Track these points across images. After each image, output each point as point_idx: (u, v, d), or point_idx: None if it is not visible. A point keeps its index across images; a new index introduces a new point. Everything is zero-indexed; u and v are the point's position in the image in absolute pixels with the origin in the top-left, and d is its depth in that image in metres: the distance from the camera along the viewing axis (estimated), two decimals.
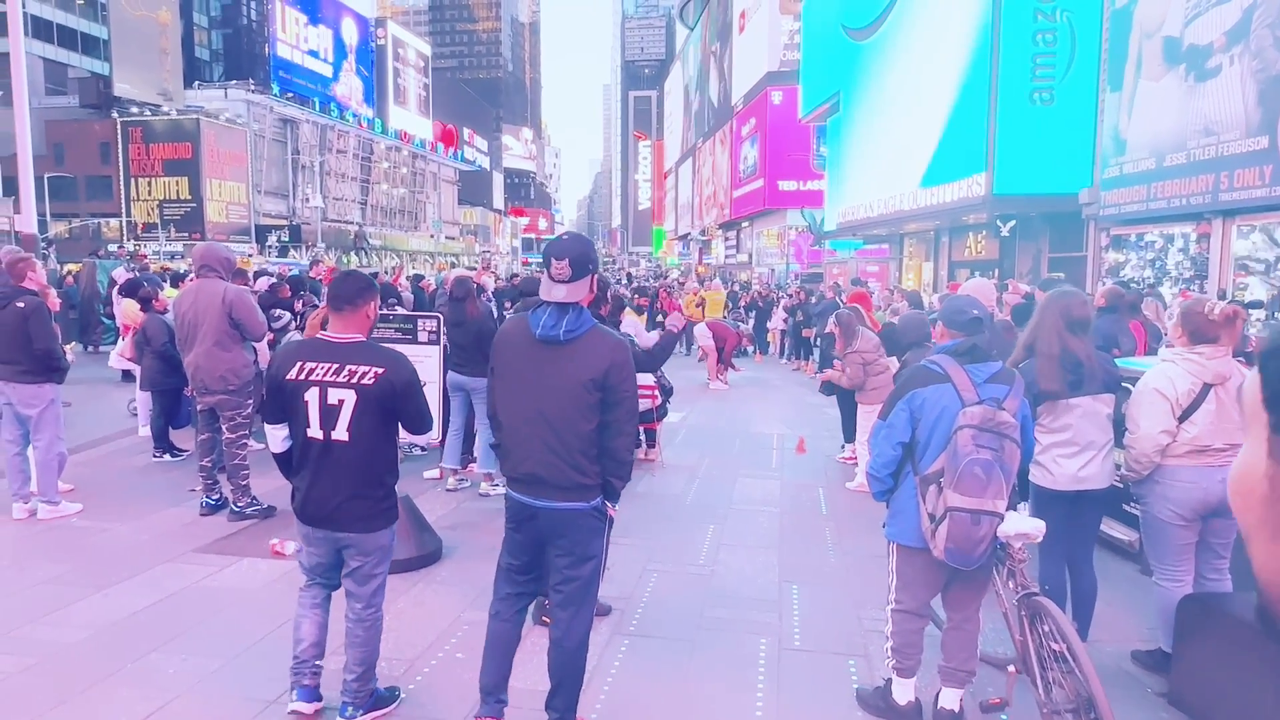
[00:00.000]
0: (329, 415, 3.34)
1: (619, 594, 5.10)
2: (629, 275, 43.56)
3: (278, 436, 3.50)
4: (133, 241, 44.08)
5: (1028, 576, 3.64)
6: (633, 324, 11.29)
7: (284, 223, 55.37)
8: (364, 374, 3.33)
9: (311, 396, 3.34)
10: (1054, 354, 4.09)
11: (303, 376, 3.35)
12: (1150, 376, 4.10)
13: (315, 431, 3.36)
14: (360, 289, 3.49)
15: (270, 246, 49.46)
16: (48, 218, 38.84)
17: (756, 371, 17.20)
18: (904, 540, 3.63)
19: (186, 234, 45.85)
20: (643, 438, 8.98)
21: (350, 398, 3.32)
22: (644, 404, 8.61)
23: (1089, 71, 18.15)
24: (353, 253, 54.18)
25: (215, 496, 6.57)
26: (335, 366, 3.35)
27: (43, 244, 21.52)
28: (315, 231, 53.02)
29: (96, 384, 11.87)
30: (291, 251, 49.12)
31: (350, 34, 69.00)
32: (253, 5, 72.47)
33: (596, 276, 3.26)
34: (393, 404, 3.40)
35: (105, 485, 7.30)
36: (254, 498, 6.47)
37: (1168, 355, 4.14)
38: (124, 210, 49.26)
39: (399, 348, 5.77)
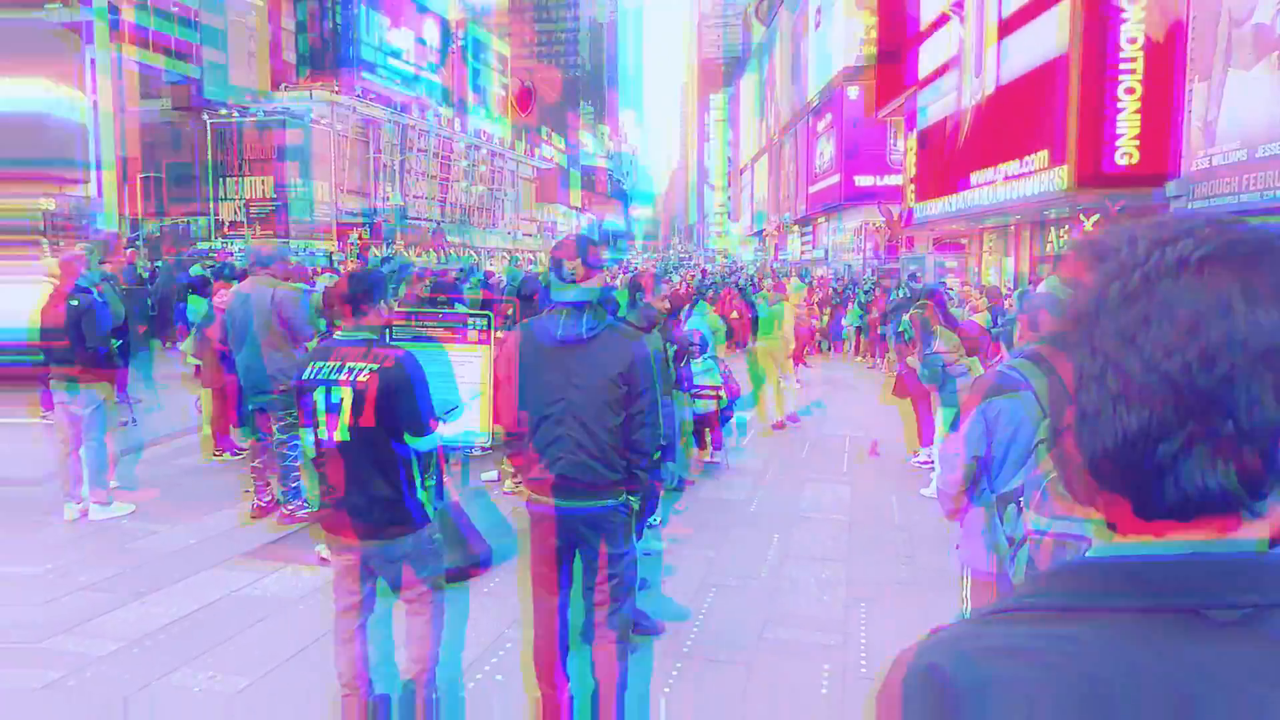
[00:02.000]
0: (332, 414, 3.22)
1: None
2: (704, 272, 43.03)
3: (308, 440, 3.36)
4: (219, 239, 45.54)
5: None
6: (703, 321, 10.94)
7: (364, 221, 56.56)
8: (360, 370, 3.21)
9: (319, 396, 3.23)
10: None
11: (312, 376, 3.26)
12: None
13: (323, 432, 3.25)
14: (364, 290, 3.34)
15: (351, 244, 50.54)
16: (139, 217, 40.38)
17: (829, 370, 16.64)
18: (978, 567, 3.22)
19: (271, 232, 47.14)
20: (709, 438, 8.63)
21: (349, 395, 3.19)
22: (708, 404, 8.31)
23: (1175, 61, 17.19)
24: (431, 250, 54.98)
25: (266, 498, 6.47)
26: (337, 365, 3.25)
27: (127, 243, 22.21)
28: (394, 229, 53.97)
29: (171, 381, 12.04)
30: (371, 249, 50.08)
31: (431, 35, 70.10)
32: (338, 9, 74.29)
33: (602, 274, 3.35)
34: (388, 401, 3.19)
35: (162, 484, 7.25)
36: (304, 500, 6.34)
37: None
38: (212, 209, 50.97)
39: (447, 349, 5.56)
